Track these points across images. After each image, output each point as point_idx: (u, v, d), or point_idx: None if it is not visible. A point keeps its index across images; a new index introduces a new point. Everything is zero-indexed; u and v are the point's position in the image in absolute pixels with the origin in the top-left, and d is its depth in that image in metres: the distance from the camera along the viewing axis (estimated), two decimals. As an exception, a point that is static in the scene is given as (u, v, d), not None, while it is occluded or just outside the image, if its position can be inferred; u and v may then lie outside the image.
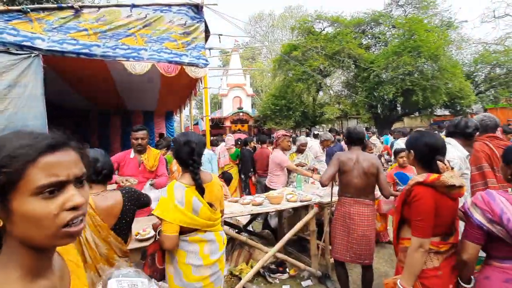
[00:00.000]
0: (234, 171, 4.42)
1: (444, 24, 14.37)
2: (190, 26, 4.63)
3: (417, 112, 15.29)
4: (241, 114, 18.53)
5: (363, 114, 15.16)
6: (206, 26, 5.20)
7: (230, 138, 4.44)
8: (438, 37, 12.33)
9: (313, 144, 5.19)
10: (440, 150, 1.40)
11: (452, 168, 1.37)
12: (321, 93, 18.30)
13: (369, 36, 16.77)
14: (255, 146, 5.07)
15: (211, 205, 1.55)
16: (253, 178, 4.35)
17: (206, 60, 4.76)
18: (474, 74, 14.57)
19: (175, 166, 3.53)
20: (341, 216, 2.29)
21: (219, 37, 5.68)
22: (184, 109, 7.56)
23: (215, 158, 3.92)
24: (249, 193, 4.24)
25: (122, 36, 4.16)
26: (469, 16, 19.37)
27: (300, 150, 3.71)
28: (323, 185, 2.24)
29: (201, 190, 1.50)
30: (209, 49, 6.53)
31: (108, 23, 4.04)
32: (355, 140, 2.32)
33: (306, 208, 2.65)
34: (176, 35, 4.53)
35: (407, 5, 15.42)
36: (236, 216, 2.17)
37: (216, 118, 18.88)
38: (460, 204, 1.59)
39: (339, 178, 2.34)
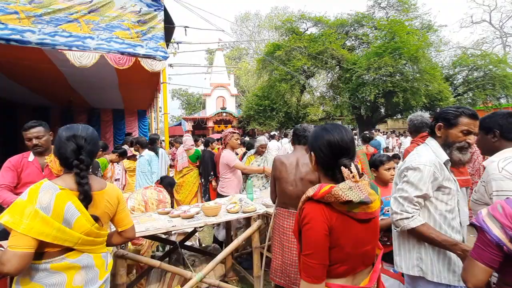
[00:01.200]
0: (193, 175, 4.01)
1: (424, 27, 14.53)
2: (146, 14, 4.20)
3: (399, 114, 15.39)
4: (224, 114, 18.10)
5: (346, 115, 15.09)
6: (169, 17, 4.78)
7: (188, 138, 4.03)
8: (418, 39, 12.40)
9: (284, 146, 4.85)
10: (345, 151, 0.96)
11: (362, 175, 0.94)
12: (307, 94, 18.18)
13: (353, 38, 16.78)
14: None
15: (96, 218, 1.17)
16: (213, 182, 3.94)
17: (165, 52, 4.33)
18: (452, 77, 14.79)
19: (109, 171, 3.09)
20: (276, 230, 1.92)
21: (185, 30, 5.26)
22: (153, 107, 7.07)
23: (155, 160, 3.51)
24: (209, 199, 3.85)
25: (63, 21, 3.67)
26: (449, 21, 19.83)
27: (259, 152, 3.34)
28: (272, 201, 1.89)
29: (86, 197, 1.15)
30: (177, 43, 6.09)
31: (45, 6, 3.54)
32: (300, 138, 1.93)
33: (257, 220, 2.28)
34: (129, 23, 4.08)
35: (389, 8, 15.51)
36: (160, 232, 1.76)
37: (199, 118, 18.35)
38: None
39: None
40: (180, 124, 21.68)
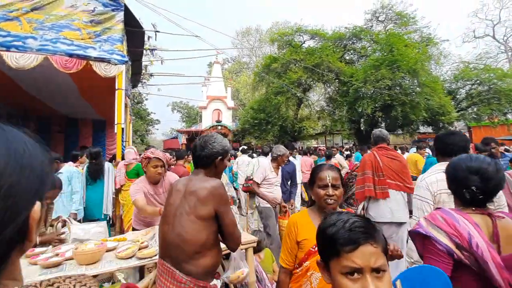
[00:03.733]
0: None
1: (424, 40, 14.16)
2: (102, 14, 3.81)
3: (399, 129, 14.76)
4: (219, 127, 17.69)
5: (344, 129, 14.55)
6: (134, 19, 4.41)
7: (130, 151, 3.49)
8: (417, 52, 11.98)
9: (260, 162, 4.25)
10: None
11: None
12: (306, 108, 17.74)
13: (351, 52, 16.51)
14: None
15: None
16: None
17: (123, 56, 3.91)
18: (455, 91, 14.22)
19: None
20: None
21: (155, 35, 4.90)
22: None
23: (77, 177, 3.00)
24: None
25: (0, 20, 3.30)
26: (450, 36, 19.56)
27: None
28: None
29: None
30: (151, 49, 5.72)
31: (-23, 2, 3.19)
32: (199, 158, 1.39)
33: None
34: (80, 23, 3.69)
35: (387, 21, 15.29)
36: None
37: (193, 131, 17.96)
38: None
39: None
40: (176, 138, 21.37)
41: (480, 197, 1.05)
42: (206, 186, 1.27)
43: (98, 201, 3.28)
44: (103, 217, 3.30)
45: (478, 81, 13.32)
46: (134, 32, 4.59)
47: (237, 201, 3.12)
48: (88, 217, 3.25)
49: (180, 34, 5.33)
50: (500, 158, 2.99)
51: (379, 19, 15.46)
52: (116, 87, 3.87)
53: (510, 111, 13.27)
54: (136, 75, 6.65)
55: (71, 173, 2.95)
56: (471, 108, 13.87)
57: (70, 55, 3.59)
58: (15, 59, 3.32)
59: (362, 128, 15.06)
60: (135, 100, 19.04)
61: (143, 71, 8.00)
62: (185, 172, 3.46)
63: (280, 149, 3.66)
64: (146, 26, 4.43)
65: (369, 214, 2.65)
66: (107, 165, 3.43)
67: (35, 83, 4.43)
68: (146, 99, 20.47)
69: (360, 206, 2.76)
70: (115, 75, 3.83)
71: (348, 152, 8.74)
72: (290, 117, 15.43)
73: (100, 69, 3.75)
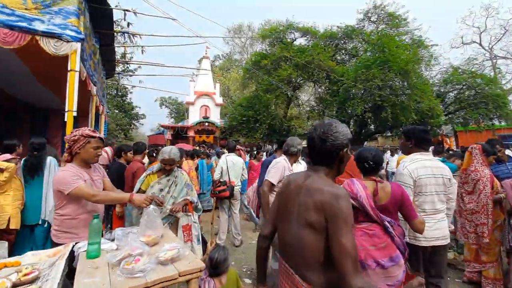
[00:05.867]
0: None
1: (415, 42, 14.04)
2: (53, -18, 3.26)
3: (388, 131, 14.62)
4: (206, 124, 17.12)
5: (332, 130, 14.27)
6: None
7: None
8: (408, 54, 11.80)
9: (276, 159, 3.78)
10: None
11: None
12: (295, 108, 17.42)
13: (343, 52, 16.29)
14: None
15: None
16: (117, 208, 2.86)
17: (78, 32, 3.35)
18: (444, 94, 14.18)
19: None
20: None
21: (125, 14, 4.33)
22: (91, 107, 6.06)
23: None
24: (111, 229, 2.76)
25: None
26: (439, 40, 19.60)
27: (163, 171, 2.24)
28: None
29: None
30: (123, 33, 5.13)
31: None
32: (315, 152, 1.21)
33: None
34: (24, -10, 3.13)
35: (379, 21, 15.11)
36: None
37: (178, 126, 17.31)
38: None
39: None
40: (162, 133, 20.64)
41: (373, 166, 1.82)
42: (325, 189, 1.09)
43: (35, 203, 2.75)
44: (40, 222, 2.76)
45: (466, 86, 13.30)
46: (101, 11, 4.04)
47: (200, 207, 2.63)
48: (23, 222, 2.71)
49: (155, 15, 4.73)
50: (507, 162, 2.66)
51: (371, 19, 15.27)
52: (69, 68, 3.31)
53: (495, 116, 13.31)
54: (109, 62, 6.05)
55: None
56: (458, 112, 13.86)
57: (11, 28, 3.01)
58: None
59: (351, 129, 14.86)
60: (120, 93, 18.20)
61: (120, 59, 7.39)
62: (140, 168, 2.95)
63: (299, 141, 3.06)
64: (125, 10, 3.87)
65: None
66: (50, 159, 2.89)
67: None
68: (131, 92, 19.66)
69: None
70: (68, 54, 3.28)
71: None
72: (279, 115, 15.05)
73: (49, 46, 3.19)
